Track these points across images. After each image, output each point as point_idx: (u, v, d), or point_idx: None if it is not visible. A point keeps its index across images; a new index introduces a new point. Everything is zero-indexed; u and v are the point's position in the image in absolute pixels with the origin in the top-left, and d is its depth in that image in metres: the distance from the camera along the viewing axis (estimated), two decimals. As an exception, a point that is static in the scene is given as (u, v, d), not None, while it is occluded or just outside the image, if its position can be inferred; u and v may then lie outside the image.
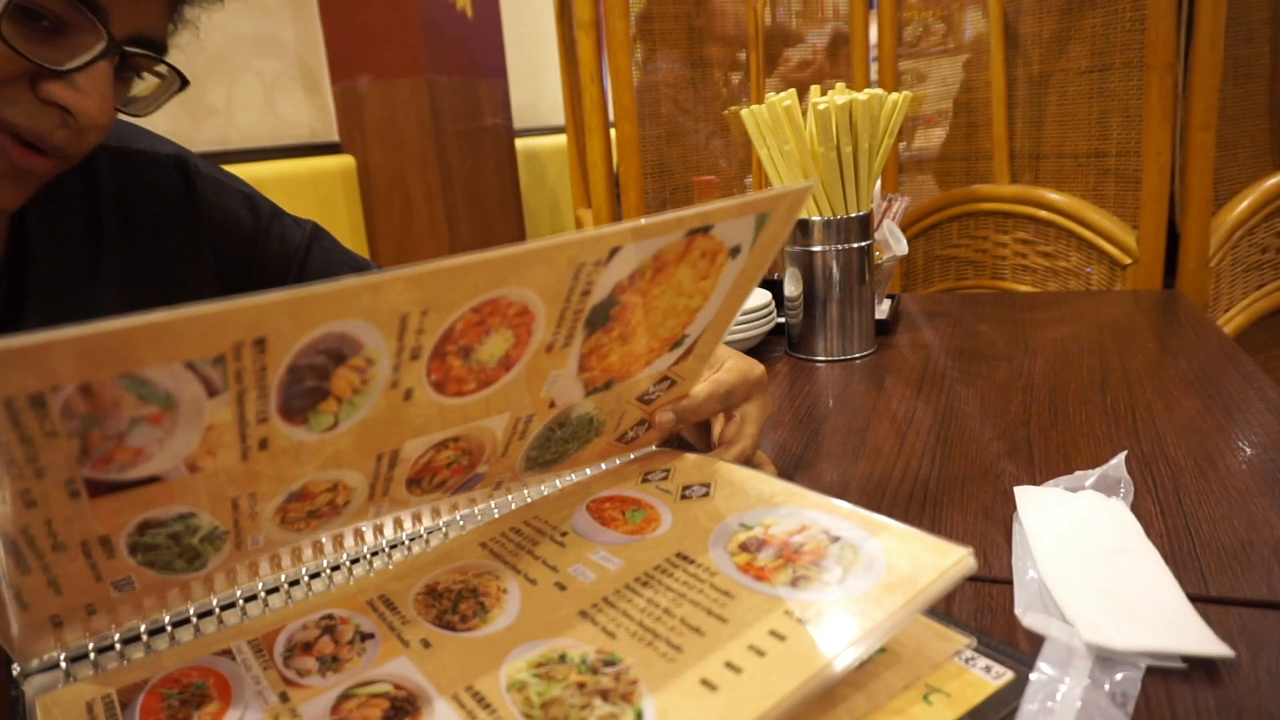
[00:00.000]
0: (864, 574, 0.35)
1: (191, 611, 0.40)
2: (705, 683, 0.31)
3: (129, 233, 0.65)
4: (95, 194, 0.64)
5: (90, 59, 0.49)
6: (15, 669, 0.37)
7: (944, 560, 0.35)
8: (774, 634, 0.33)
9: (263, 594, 0.42)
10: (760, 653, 0.32)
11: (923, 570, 0.34)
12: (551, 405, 0.43)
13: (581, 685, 0.32)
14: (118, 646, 0.38)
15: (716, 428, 0.57)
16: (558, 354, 0.40)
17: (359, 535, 0.44)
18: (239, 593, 0.41)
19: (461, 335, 0.34)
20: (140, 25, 0.52)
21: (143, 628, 0.39)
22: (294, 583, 0.43)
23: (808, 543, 0.39)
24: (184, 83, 0.57)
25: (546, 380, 0.41)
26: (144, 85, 0.57)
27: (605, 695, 0.31)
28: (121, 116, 0.56)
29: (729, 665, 0.31)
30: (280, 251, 0.74)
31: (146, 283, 0.66)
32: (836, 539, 0.38)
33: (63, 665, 0.37)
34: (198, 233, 0.69)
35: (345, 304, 0.29)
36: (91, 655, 0.37)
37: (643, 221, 0.36)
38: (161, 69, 0.56)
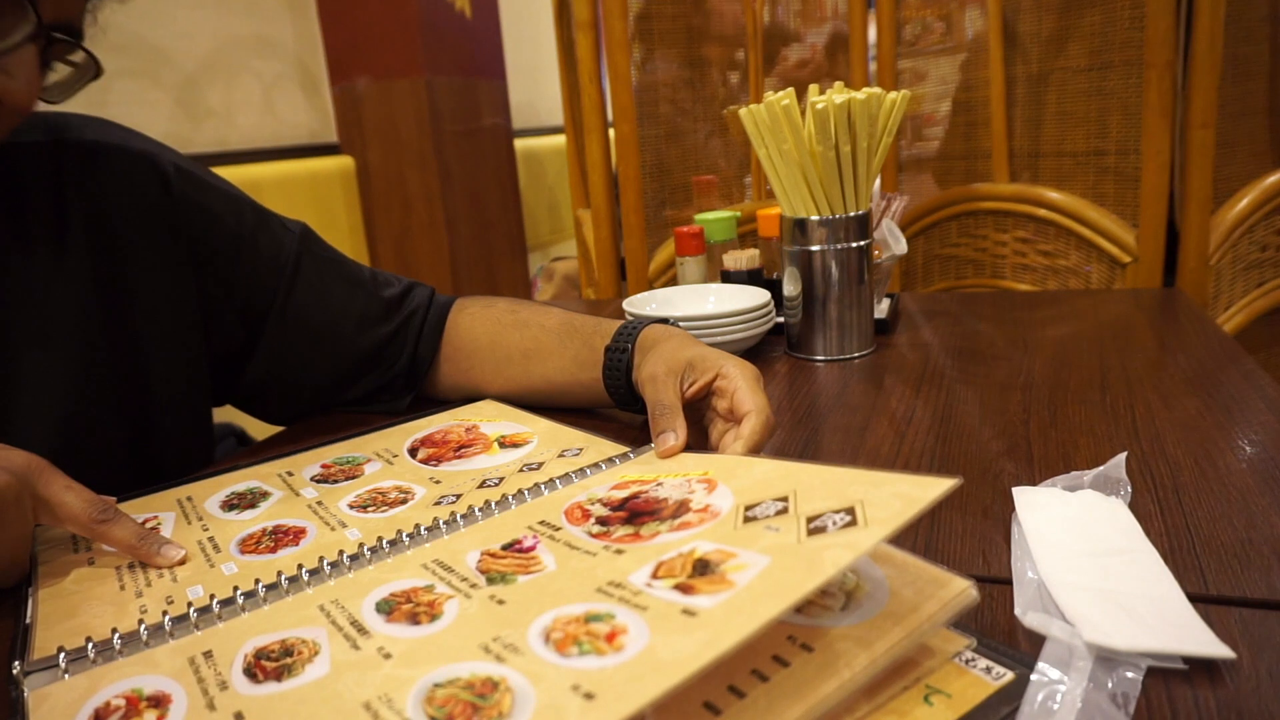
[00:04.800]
0: (867, 601, 0.36)
1: (192, 613, 0.40)
2: (709, 706, 0.31)
3: (95, 230, 0.64)
4: (60, 190, 0.63)
5: (18, 41, 0.49)
6: (15, 668, 0.37)
7: (947, 592, 0.35)
8: (777, 659, 0.33)
9: (262, 591, 0.42)
10: (764, 677, 0.32)
11: (925, 601, 0.35)
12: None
13: None
14: (117, 645, 0.38)
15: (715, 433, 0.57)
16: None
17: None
18: (237, 591, 0.41)
19: None
20: (61, 12, 0.53)
21: (142, 628, 0.39)
22: (293, 580, 0.43)
23: None
24: (98, 71, 0.57)
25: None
26: (56, 75, 0.57)
27: None
28: (41, 106, 0.56)
29: (732, 689, 0.31)
30: (270, 258, 0.72)
31: (115, 281, 0.64)
32: None
33: (61, 664, 0.37)
34: (174, 230, 0.67)
35: None
36: (91, 655, 0.37)
37: None
38: (78, 57, 0.56)
